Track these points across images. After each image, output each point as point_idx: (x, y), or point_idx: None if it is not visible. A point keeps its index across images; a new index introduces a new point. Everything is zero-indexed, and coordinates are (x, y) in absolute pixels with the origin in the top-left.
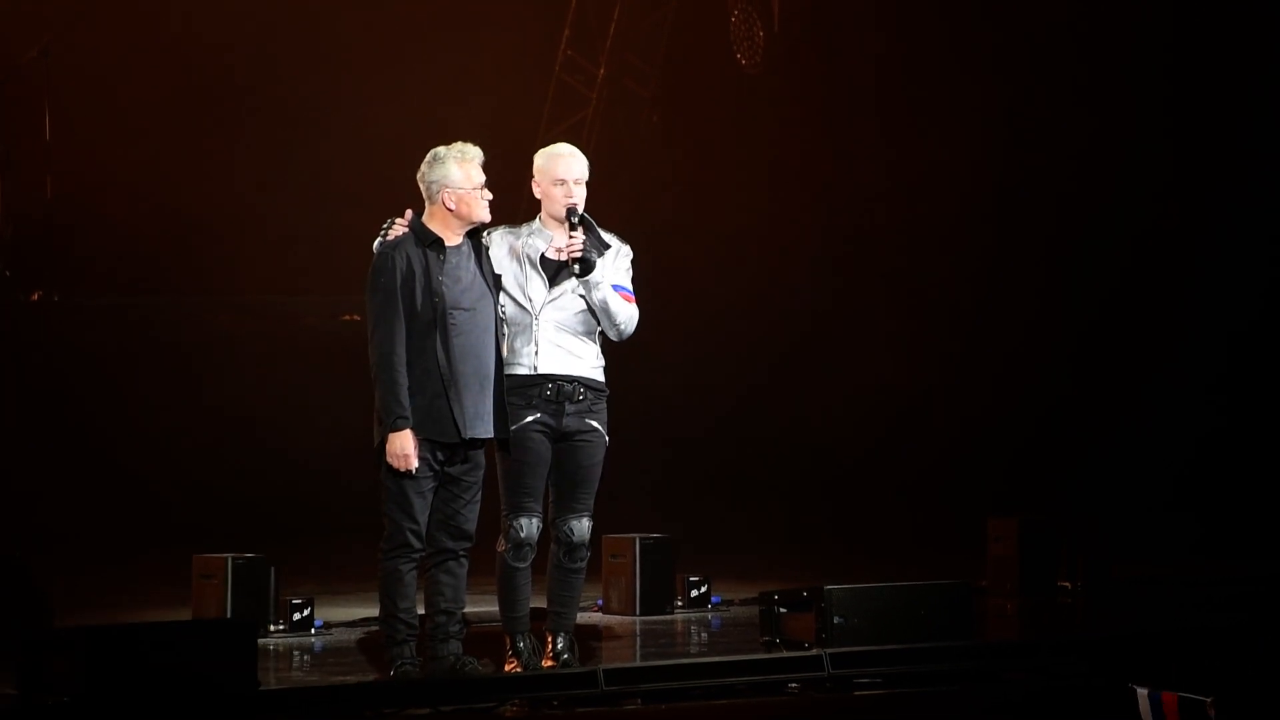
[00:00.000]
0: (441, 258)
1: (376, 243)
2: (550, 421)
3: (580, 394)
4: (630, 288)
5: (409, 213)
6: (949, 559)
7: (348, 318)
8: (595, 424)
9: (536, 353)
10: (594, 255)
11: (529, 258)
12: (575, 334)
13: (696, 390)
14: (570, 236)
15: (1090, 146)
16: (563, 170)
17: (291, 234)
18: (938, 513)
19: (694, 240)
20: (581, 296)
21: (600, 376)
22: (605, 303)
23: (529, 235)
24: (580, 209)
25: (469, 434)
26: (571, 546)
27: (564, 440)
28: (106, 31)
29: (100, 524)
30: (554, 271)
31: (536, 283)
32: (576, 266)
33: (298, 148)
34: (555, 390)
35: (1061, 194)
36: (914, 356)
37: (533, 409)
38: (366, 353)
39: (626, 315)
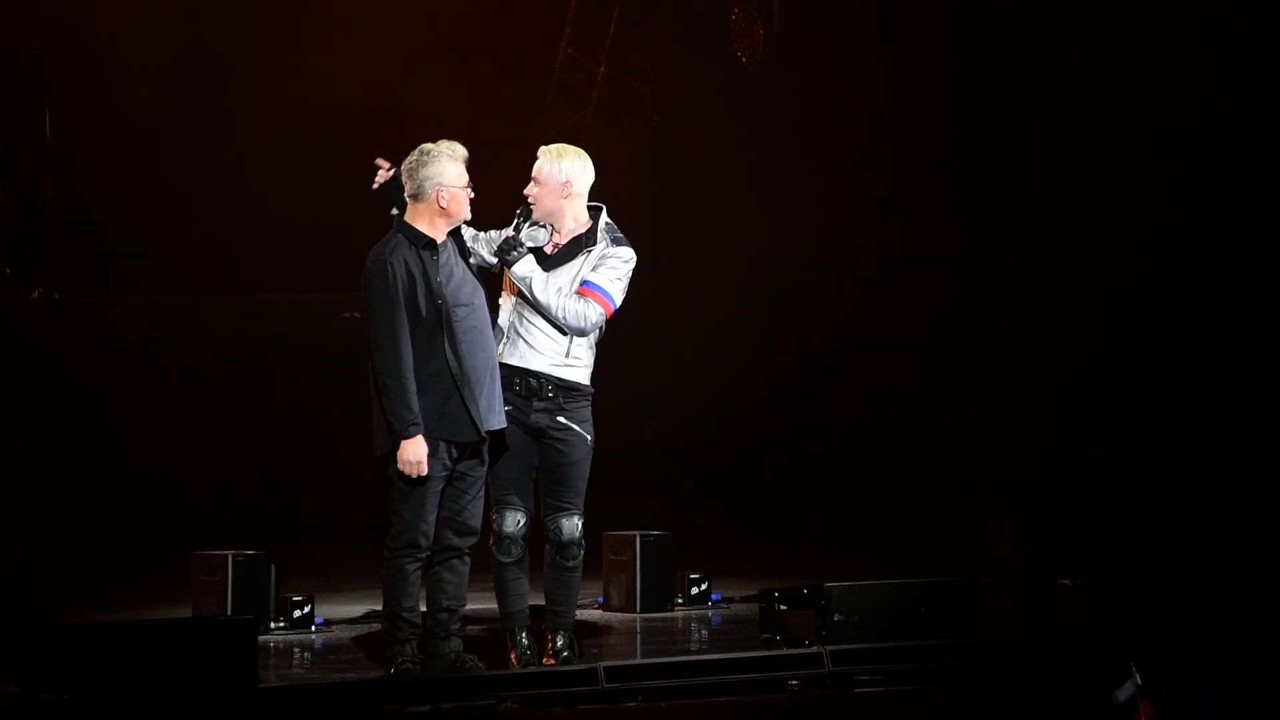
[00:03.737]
0: (436, 258)
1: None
2: (519, 416)
3: (548, 390)
4: (600, 285)
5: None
6: (949, 557)
7: (348, 315)
8: (567, 422)
9: (504, 342)
10: (515, 253)
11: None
12: (543, 329)
13: (697, 388)
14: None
15: (1104, 153)
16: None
17: (292, 231)
18: (939, 511)
19: (693, 240)
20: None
21: (574, 376)
22: (535, 299)
23: (535, 227)
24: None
25: (486, 428)
26: (561, 545)
27: (540, 439)
28: (107, 30)
29: (100, 521)
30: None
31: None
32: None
33: (299, 146)
34: (522, 384)
35: (1062, 196)
36: (914, 356)
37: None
38: (366, 348)
39: (572, 311)
